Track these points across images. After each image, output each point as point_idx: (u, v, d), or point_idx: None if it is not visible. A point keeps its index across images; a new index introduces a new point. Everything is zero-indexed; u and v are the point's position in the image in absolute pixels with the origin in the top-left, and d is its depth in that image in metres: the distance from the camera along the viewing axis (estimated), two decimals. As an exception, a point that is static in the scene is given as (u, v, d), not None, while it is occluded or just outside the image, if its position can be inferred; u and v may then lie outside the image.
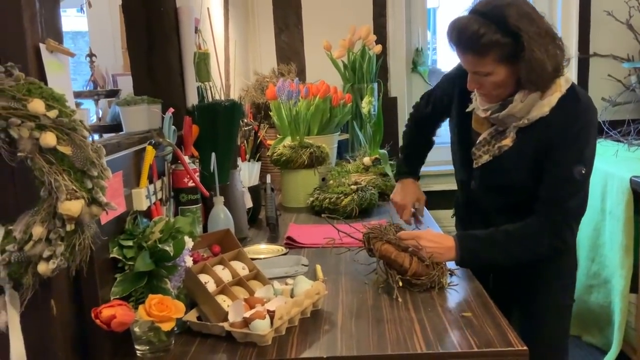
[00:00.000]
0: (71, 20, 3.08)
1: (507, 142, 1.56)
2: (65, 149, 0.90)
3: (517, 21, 1.41)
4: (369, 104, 2.73)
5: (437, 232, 1.61)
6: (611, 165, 2.91)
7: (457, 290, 1.44)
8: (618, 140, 3.19)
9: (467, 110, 1.66)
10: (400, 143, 2.07)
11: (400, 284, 1.43)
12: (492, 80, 1.50)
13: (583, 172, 1.49)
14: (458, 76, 1.70)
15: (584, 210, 1.56)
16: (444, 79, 1.85)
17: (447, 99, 1.79)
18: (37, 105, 0.88)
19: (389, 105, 3.37)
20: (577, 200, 1.52)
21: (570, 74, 3.47)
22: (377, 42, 3.09)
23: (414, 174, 1.98)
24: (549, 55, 1.44)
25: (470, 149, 1.64)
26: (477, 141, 1.63)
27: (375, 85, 3.07)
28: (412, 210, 1.90)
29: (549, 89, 1.50)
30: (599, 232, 2.97)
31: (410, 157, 2.01)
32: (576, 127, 1.50)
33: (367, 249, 1.54)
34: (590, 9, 3.40)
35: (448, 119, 1.83)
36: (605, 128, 3.32)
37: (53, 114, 0.89)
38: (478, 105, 1.61)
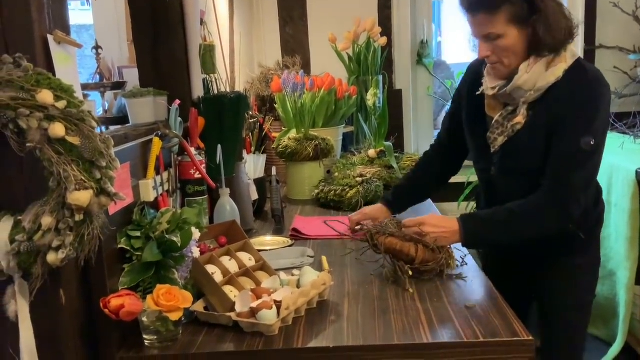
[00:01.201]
0: (75, 13, 3.08)
1: (519, 119, 1.55)
2: (74, 140, 0.90)
3: None
4: (374, 97, 2.73)
5: (440, 216, 1.61)
6: (617, 157, 2.91)
7: (463, 281, 1.44)
8: (624, 133, 3.17)
9: (477, 93, 1.64)
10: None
11: (410, 273, 1.44)
12: (503, 45, 1.49)
13: (592, 143, 1.46)
14: (465, 80, 1.74)
15: (592, 182, 1.54)
16: (458, 88, 1.84)
17: (459, 103, 1.77)
18: (45, 96, 0.89)
19: (394, 97, 3.37)
20: (583, 172, 1.50)
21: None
22: (382, 35, 3.08)
23: (390, 202, 1.83)
24: (563, 15, 1.47)
25: (486, 134, 1.63)
26: (491, 124, 1.61)
27: (380, 77, 3.06)
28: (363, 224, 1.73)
29: (558, 57, 1.50)
30: (605, 224, 2.97)
31: (399, 189, 1.89)
32: (583, 96, 1.48)
33: (371, 246, 1.55)
34: (596, 1, 3.38)
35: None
36: (611, 120, 3.31)
37: (62, 104, 0.90)
38: (487, 85, 1.61)
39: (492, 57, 1.53)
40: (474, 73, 1.70)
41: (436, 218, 1.56)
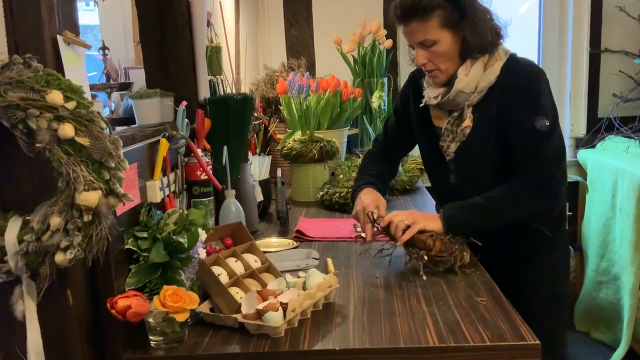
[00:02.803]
0: (82, 14, 3.08)
1: (467, 122, 1.60)
2: (83, 140, 0.90)
3: None
4: (379, 99, 2.73)
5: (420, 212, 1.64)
6: (622, 161, 2.90)
7: (469, 284, 1.44)
8: (629, 137, 3.17)
9: (421, 105, 1.70)
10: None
11: (426, 257, 1.48)
12: (439, 50, 1.56)
13: (547, 123, 1.53)
14: (408, 91, 1.81)
15: (562, 159, 1.60)
16: (398, 96, 1.91)
17: (407, 107, 1.83)
18: (55, 97, 0.89)
19: (398, 100, 3.36)
20: (549, 149, 1.55)
21: (581, 69, 3.46)
22: (387, 37, 3.09)
23: (373, 184, 1.76)
24: (489, 18, 1.56)
25: (438, 145, 1.68)
26: (441, 133, 1.66)
27: (386, 79, 3.06)
28: (373, 215, 1.61)
29: (492, 56, 1.58)
30: (609, 228, 2.96)
31: (365, 173, 1.85)
32: (523, 82, 1.56)
33: (390, 238, 1.58)
34: (602, 5, 3.38)
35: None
36: (616, 124, 3.31)
37: (71, 105, 0.90)
38: (429, 96, 1.66)
39: (429, 65, 1.60)
40: (416, 84, 1.77)
41: (420, 212, 1.62)
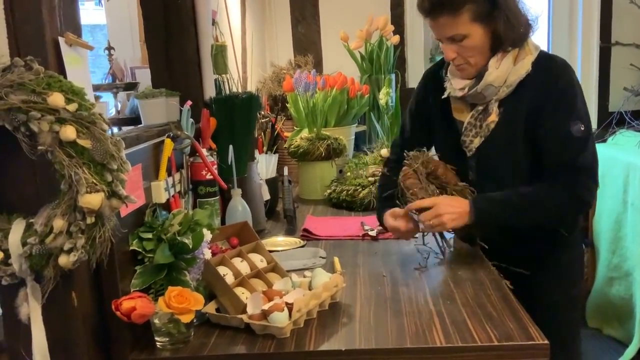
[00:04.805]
0: (89, 13, 3.09)
1: (493, 117, 1.54)
2: (85, 143, 0.90)
3: None
4: (386, 96, 2.71)
5: (452, 197, 1.58)
6: (633, 156, 2.87)
7: (476, 283, 1.43)
8: (640, 131, 3.13)
9: (443, 97, 1.62)
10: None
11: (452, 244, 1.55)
12: (470, 45, 1.50)
13: (582, 128, 1.48)
14: (426, 89, 1.72)
15: (596, 166, 1.54)
16: (413, 97, 1.80)
17: (424, 107, 1.73)
18: (56, 99, 0.89)
19: (406, 96, 3.33)
20: (586, 157, 1.50)
21: (592, 63, 3.42)
22: (394, 33, 3.07)
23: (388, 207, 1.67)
24: (520, 7, 1.51)
25: (459, 140, 1.61)
26: (463, 128, 1.59)
27: (393, 76, 3.04)
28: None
29: (522, 50, 1.52)
30: (621, 224, 2.93)
31: (380, 199, 1.77)
32: (559, 83, 1.50)
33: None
34: (612, -3, 3.34)
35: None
36: (627, 118, 3.27)
37: (73, 107, 0.90)
38: (454, 87, 1.59)
39: (459, 59, 1.53)
40: (434, 80, 1.69)
41: (448, 198, 1.55)
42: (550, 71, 1.51)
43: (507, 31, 1.48)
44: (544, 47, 3.48)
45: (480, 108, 1.57)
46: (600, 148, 3.27)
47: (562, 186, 1.49)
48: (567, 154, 1.49)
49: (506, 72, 1.51)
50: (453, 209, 1.50)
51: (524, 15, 1.52)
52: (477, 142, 1.57)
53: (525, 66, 1.51)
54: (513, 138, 1.54)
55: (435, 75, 1.70)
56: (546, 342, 1.11)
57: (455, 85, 1.58)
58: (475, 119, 1.57)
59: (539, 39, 3.52)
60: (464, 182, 1.64)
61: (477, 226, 1.53)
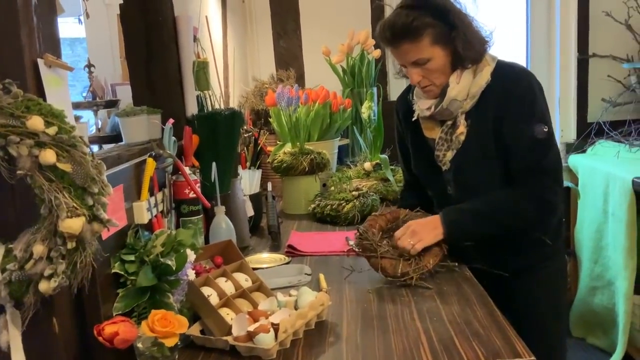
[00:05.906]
0: (69, 26, 3.06)
1: (462, 129, 1.60)
2: (65, 166, 0.88)
3: (442, 3, 1.54)
4: (368, 109, 2.72)
5: (424, 219, 1.62)
6: (613, 166, 2.91)
7: (462, 300, 1.43)
8: (619, 141, 3.18)
9: (413, 119, 1.70)
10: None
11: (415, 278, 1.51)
12: (433, 67, 1.57)
13: (545, 129, 1.54)
14: (396, 113, 1.83)
15: (560, 168, 1.60)
16: (395, 129, 1.89)
17: (402, 131, 1.82)
18: (36, 123, 0.87)
19: (388, 109, 3.34)
20: (549, 159, 1.56)
21: (570, 74, 3.47)
22: (375, 47, 3.08)
23: None
24: (475, 26, 1.58)
25: (432, 157, 1.67)
26: (435, 143, 1.66)
27: (375, 89, 3.06)
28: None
29: (480, 63, 1.58)
30: (602, 234, 2.96)
31: None
32: (518, 89, 1.56)
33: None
34: (588, 10, 3.40)
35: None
36: (606, 129, 3.32)
37: (52, 130, 0.88)
38: (421, 108, 1.66)
39: (424, 81, 1.60)
40: (403, 105, 1.78)
41: (420, 221, 1.60)
42: (509, 78, 1.57)
43: (466, 50, 1.54)
44: (523, 59, 3.56)
45: (449, 123, 1.63)
46: (579, 158, 3.34)
47: (528, 190, 1.55)
48: (532, 156, 1.55)
49: (467, 85, 1.57)
50: (425, 223, 1.57)
51: (479, 32, 1.59)
52: (449, 155, 1.64)
53: (484, 77, 1.57)
54: (484, 148, 1.59)
55: (404, 102, 1.78)
56: (533, 358, 1.11)
57: (422, 106, 1.66)
58: (445, 134, 1.64)
59: (518, 51, 3.58)
60: (444, 197, 1.70)
61: (451, 239, 1.56)
